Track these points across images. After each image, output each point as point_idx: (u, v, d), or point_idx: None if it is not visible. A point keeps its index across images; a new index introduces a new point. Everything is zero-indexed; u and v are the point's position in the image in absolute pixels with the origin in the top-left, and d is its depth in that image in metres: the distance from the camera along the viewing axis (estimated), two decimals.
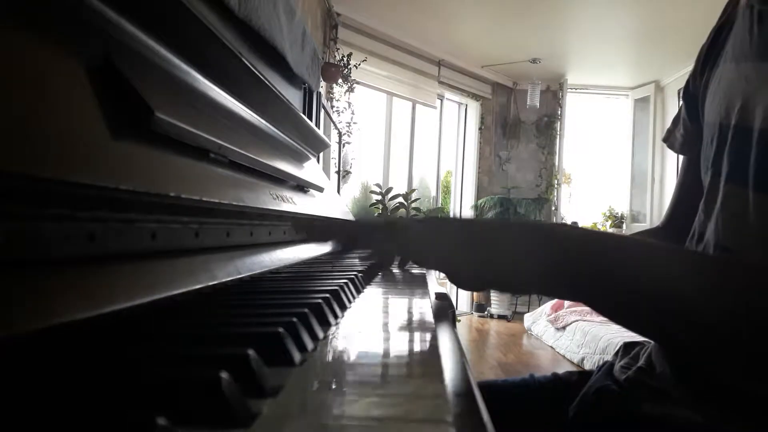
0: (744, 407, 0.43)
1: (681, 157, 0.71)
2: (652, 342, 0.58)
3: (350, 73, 3.32)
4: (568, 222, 5.03)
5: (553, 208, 4.98)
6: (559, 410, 0.60)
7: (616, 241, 0.40)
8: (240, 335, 0.26)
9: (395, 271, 0.71)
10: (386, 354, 0.29)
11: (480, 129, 4.97)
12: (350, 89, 3.39)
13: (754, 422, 0.43)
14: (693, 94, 0.62)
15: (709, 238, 0.51)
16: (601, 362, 0.68)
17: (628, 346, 0.65)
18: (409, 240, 0.45)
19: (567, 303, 3.70)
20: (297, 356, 0.26)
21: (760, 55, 0.48)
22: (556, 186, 4.97)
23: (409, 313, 0.41)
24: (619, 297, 0.36)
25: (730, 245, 0.47)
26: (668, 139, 0.71)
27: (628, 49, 4.16)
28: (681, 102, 0.67)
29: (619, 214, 5.06)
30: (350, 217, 1.19)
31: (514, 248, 0.38)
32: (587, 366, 3.04)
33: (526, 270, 0.38)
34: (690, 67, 0.63)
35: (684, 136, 0.67)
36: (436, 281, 0.63)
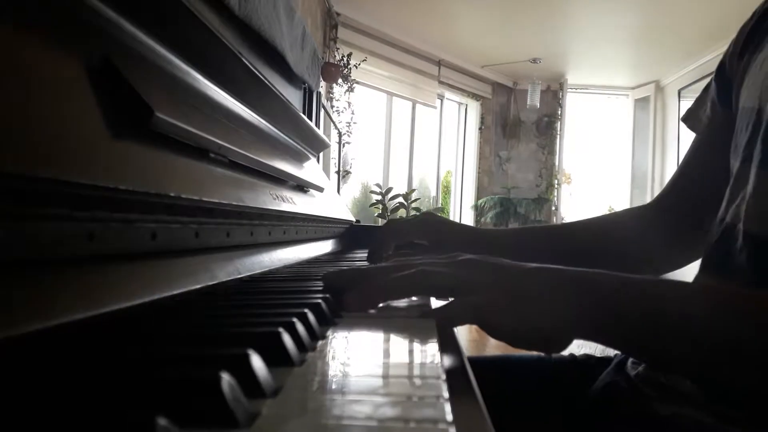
0: (757, 408, 0.42)
1: (681, 156, 0.68)
2: None
3: (350, 72, 3.33)
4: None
5: (553, 208, 4.99)
6: (573, 393, 0.59)
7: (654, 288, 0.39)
8: (240, 335, 0.26)
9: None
10: (386, 354, 0.29)
11: (480, 129, 4.98)
12: (350, 89, 3.40)
13: (766, 423, 0.42)
14: (728, 77, 0.58)
15: (731, 222, 0.49)
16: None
17: None
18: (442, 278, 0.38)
19: None
20: (297, 356, 0.26)
21: None
22: (556, 186, 4.97)
23: (410, 313, 0.41)
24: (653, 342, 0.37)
25: (762, 233, 0.46)
26: (689, 119, 0.67)
27: (629, 48, 4.16)
28: (711, 82, 0.63)
29: None
30: (350, 217, 1.19)
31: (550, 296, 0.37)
32: None
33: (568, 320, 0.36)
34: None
35: (710, 118, 0.63)
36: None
